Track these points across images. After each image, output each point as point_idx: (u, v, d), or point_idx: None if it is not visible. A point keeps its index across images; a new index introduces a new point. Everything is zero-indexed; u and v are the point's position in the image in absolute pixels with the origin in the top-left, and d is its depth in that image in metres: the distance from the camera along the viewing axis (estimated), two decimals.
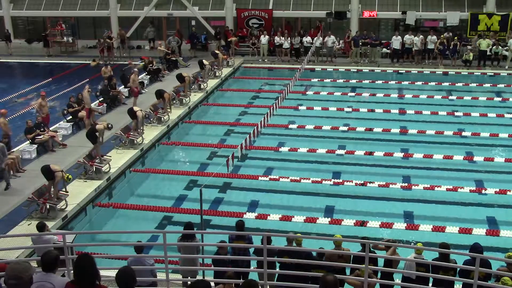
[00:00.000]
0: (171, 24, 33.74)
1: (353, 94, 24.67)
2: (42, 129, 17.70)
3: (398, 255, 9.54)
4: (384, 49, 30.01)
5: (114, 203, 14.92)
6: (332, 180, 15.95)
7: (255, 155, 18.17)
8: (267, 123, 17.95)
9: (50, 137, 17.62)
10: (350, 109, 22.29)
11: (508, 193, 14.81)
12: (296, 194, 15.47)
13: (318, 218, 13.78)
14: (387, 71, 28.36)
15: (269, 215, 13.89)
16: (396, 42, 28.73)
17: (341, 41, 30.07)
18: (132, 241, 11.68)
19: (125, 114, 18.96)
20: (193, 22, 32.93)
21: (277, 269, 9.53)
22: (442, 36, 28.64)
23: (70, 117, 19.88)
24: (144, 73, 26.18)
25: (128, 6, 33.86)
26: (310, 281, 8.56)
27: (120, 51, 31.97)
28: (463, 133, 19.64)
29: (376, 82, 26.14)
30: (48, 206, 13.49)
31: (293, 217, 13.79)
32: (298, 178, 15.92)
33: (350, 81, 26.77)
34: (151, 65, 26.52)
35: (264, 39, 30.12)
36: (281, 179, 16.00)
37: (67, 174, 14.52)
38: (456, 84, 25.71)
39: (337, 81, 27.28)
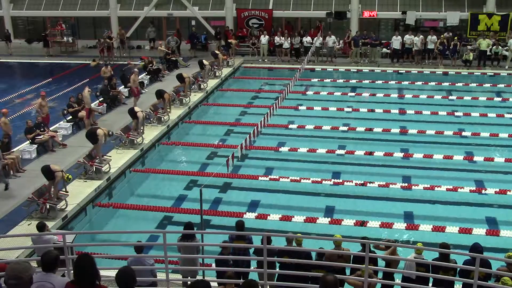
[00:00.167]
0: (171, 24, 33.74)
1: (353, 94, 24.67)
2: (42, 129, 17.70)
3: (398, 255, 9.55)
4: (384, 49, 30.00)
5: (114, 203, 14.92)
6: (332, 180, 15.95)
7: (255, 155, 18.17)
8: (267, 123, 17.95)
9: (50, 137, 17.63)
10: (350, 109, 22.28)
11: (508, 193, 14.80)
12: (296, 194, 15.46)
13: (318, 218, 13.77)
14: (387, 71, 28.34)
15: (269, 215, 13.89)
16: (396, 42, 28.71)
17: (341, 41, 30.07)
18: (132, 241, 11.69)
19: (125, 114, 18.97)
20: (193, 22, 32.93)
21: (277, 269, 9.53)
22: (442, 36, 28.63)
23: (70, 117, 19.88)
24: (144, 73, 26.19)
25: (128, 6, 33.87)
26: (310, 281, 8.57)
27: (120, 51, 31.98)
28: (463, 133, 19.62)
29: (376, 82, 26.13)
30: (48, 206, 13.49)
31: (293, 217, 13.78)
32: (298, 178, 15.91)
33: (350, 81, 26.77)
34: (151, 65, 26.52)
35: (264, 39, 30.12)
36: (281, 179, 15.99)
37: (67, 174, 14.52)
38: (456, 84, 25.70)
39: (337, 81, 27.27)
